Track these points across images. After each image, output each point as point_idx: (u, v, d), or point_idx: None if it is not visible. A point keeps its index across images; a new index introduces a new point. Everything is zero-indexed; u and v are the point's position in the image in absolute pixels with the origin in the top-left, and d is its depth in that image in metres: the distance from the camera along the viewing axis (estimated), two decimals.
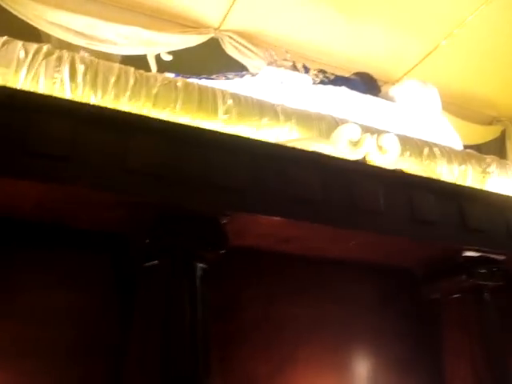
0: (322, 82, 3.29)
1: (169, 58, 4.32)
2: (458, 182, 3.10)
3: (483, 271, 1.91)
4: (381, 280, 2.00)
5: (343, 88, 3.26)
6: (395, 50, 4.93)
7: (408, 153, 2.90)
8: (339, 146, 2.29)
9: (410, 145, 2.97)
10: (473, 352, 1.79)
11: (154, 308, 1.72)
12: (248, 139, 2.18)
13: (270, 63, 3.35)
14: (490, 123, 5.78)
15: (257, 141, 2.14)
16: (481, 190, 2.31)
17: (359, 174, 1.84)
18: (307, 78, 3.25)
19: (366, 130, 2.56)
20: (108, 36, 4.09)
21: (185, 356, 1.61)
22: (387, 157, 2.41)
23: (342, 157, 2.13)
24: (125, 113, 2.09)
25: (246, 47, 4.49)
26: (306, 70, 3.42)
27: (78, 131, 1.89)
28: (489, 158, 3.32)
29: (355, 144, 2.36)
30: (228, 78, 3.15)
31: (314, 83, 3.25)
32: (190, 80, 2.83)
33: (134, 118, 2.06)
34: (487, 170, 3.23)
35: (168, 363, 1.62)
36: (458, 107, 5.51)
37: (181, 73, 3.97)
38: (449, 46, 4.88)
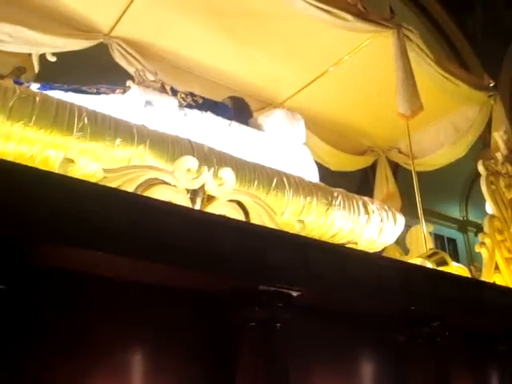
0: (188, 106, 3.45)
1: (53, 58, 4.37)
2: (303, 214, 3.38)
3: (278, 304, 2.14)
4: (190, 305, 2.19)
5: (208, 113, 3.45)
6: (279, 76, 5.21)
7: (256, 182, 3.14)
8: (179, 176, 2.47)
9: (261, 174, 3.20)
10: (261, 375, 2.02)
11: None
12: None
13: (138, 82, 3.48)
14: (365, 152, 6.17)
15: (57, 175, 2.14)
16: (281, 231, 2.54)
17: (167, 213, 2.00)
18: (174, 101, 3.41)
19: (208, 160, 2.78)
20: None
21: None
22: (223, 188, 2.62)
23: (148, 196, 2.30)
24: None
25: (133, 56, 4.59)
26: (174, 92, 3.56)
27: None
28: (336, 192, 3.59)
29: (194, 175, 2.55)
30: (99, 92, 3.25)
31: (180, 106, 3.41)
32: (54, 92, 2.93)
33: None
34: (333, 202, 3.52)
35: None
36: (334, 134, 5.89)
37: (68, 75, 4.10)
38: (330, 77, 5.20)
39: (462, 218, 9.76)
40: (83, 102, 2.88)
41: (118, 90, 3.38)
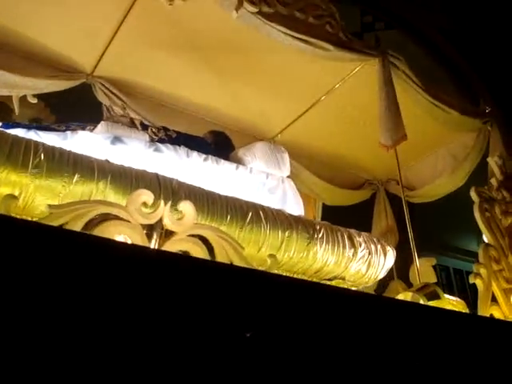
0: (160, 140, 3.35)
1: (34, 100, 4.33)
2: (282, 249, 3.22)
3: None
4: None
5: (182, 148, 3.34)
6: (268, 110, 5.10)
7: (229, 216, 3.00)
8: (132, 211, 2.35)
9: (234, 208, 3.07)
10: None
11: None
12: None
13: (106, 118, 3.40)
14: (363, 184, 6.02)
15: None
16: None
17: None
18: (144, 136, 3.31)
19: (175, 195, 2.66)
20: None
21: None
22: (182, 222, 2.49)
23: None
24: None
25: (116, 96, 4.53)
26: (144, 126, 3.48)
27: None
28: (319, 224, 3.44)
29: (149, 209, 2.43)
30: (66, 129, 3.17)
31: (151, 141, 3.31)
32: (15, 130, 2.85)
33: None
34: (314, 236, 3.36)
35: None
36: (330, 168, 5.75)
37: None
38: (320, 109, 5.08)
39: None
40: (47, 141, 2.80)
41: (88, 127, 3.30)
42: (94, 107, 4.46)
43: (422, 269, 4.37)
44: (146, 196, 2.42)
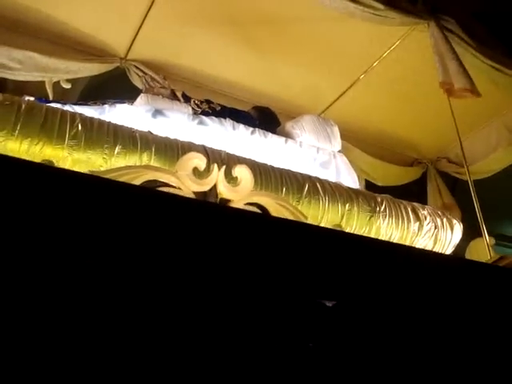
0: (204, 113, 3.11)
1: (68, 85, 4.12)
2: (343, 223, 2.96)
3: None
4: None
5: (227, 120, 3.09)
6: (311, 87, 4.82)
7: (284, 189, 2.73)
8: (183, 177, 2.09)
9: (289, 180, 2.80)
10: None
11: None
12: None
13: (146, 90, 3.17)
14: (411, 164, 5.70)
15: None
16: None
17: None
18: (187, 108, 3.08)
19: (219, 159, 2.41)
20: (0, 60, 3.88)
21: None
22: (239, 189, 2.22)
23: None
24: None
25: (152, 78, 4.30)
26: (187, 98, 3.24)
27: None
28: (380, 197, 3.16)
29: (202, 174, 2.18)
30: (104, 104, 2.94)
31: (195, 113, 3.07)
32: (51, 105, 2.63)
33: None
34: (376, 209, 3.08)
35: None
36: (378, 147, 5.44)
37: None
38: (367, 84, 4.80)
39: None
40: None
41: (127, 102, 3.07)
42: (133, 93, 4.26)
43: (480, 251, 4.06)
44: (198, 160, 2.16)
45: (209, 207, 1.80)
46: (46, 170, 1.73)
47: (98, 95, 4.47)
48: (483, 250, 4.07)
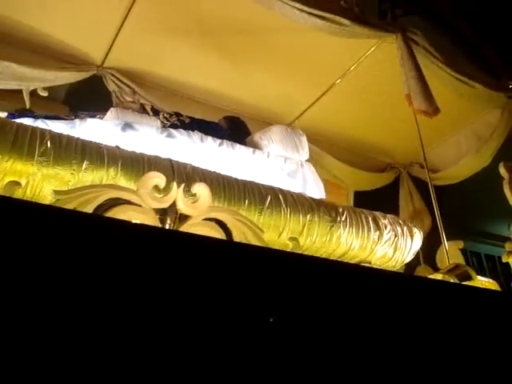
0: (173, 126, 3.22)
1: (45, 93, 4.22)
2: (304, 233, 3.08)
3: None
4: None
5: (196, 133, 3.21)
6: (285, 95, 4.94)
7: (247, 201, 2.86)
8: (144, 195, 2.22)
9: (252, 192, 2.93)
10: None
11: None
12: None
13: (116, 104, 3.27)
14: (384, 169, 5.84)
15: None
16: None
17: None
18: (156, 121, 3.19)
19: (190, 179, 2.53)
20: None
21: None
22: (197, 205, 2.35)
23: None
24: None
25: (128, 86, 4.41)
26: (156, 112, 3.35)
27: None
28: (341, 207, 3.29)
29: (161, 192, 2.30)
30: (74, 118, 3.05)
31: (163, 126, 3.18)
32: (22, 120, 2.74)
33: None
34: (337, 219, 3.21)
35: None
36: (351, 153, 5.59)
37: None
38: (339, 91, 4.93)
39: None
40: (55, 129, 2.68)
41: (98, 116, 3.18)
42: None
43: (450, 252, 4.19)
44: (158, 178, 2.28)
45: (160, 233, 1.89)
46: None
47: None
48: (454, 254, 4.23)
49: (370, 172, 5.62)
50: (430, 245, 4.40)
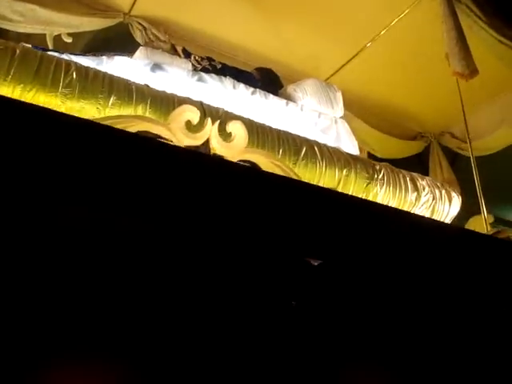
0: (204, 70, 3.05)
1: (69, 39, 4.05)
2: (339, 189, 2.92)
3: None
4: None
5: (228, 79, 3.03)
6: (315, 53, 4.74)
7: (281, 150, 2.69)
8: (176, 130, 2.05)
9: (287, 141, 2.76)
10: None
11: None
12: None
13: (145, 43, 3.10)
14: (414, 138, 5.63)
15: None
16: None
17: None
18: (187, 64, 3.02)
19: (215, 114, 2.35)
20: (2, 12, 3.81)
21: None
22: (232, 145, 2.18)
23: None
24: None
25: (155, 36, 4.22)
26: (187, 54, 3.18)
27: None
28: (379, 165, 3.12)
29: (195, 128, 2.13)
30: (103, 55, 2.89)
31: (194, 69, 3.01)
32: (48, 53, 2.58)
33: None
34: (374, 176, 3.04)
35: None
36: (380, 119, 5.38)
37: None
38: (373, 53, 4.71)
39: None
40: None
41: (126, 55, 3.01)
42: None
43: (479, 226, 4.02)
44: (191, 113, 2.11)
45: (200, 157, 1.75)
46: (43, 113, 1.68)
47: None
48: (481, 227, 4.04)
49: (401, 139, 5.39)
50: (458, 216, 4.23)
